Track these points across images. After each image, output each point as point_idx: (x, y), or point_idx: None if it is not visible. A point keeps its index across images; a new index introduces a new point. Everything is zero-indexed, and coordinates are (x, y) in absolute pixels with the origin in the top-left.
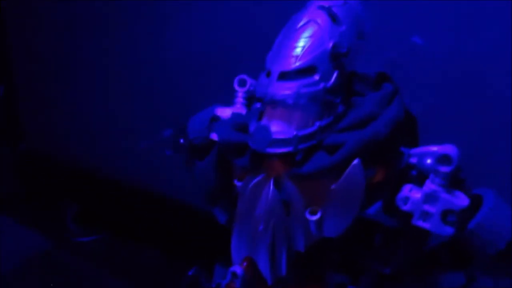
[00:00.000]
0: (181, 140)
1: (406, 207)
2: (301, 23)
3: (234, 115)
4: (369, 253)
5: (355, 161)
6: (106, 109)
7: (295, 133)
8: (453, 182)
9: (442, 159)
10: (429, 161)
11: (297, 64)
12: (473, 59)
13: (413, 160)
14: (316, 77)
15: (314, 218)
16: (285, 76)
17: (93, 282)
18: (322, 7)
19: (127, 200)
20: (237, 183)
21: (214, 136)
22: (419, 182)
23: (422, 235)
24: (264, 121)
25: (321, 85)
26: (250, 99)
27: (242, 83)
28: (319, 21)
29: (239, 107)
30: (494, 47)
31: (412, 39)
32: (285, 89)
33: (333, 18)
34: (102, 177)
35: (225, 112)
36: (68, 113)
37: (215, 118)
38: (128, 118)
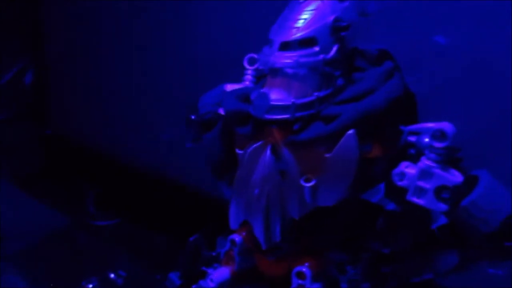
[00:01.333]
0: (192, 117)
1: (401, 183)
2: None
3: (240, 88)
4: (369, 234)
5: (350, 131)
6: (130, 98)
7: (293, 101)
8: (449, 160)
9: (438, 134)
10: (426, 139)
11: (298, 35)
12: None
13: (412, 138)
14: (316, 49)
15: (309, 185)
16: (286, 46)
17: (107, 262)
18: None
19: (147, 187)
20: (239, 152)
21: (223, 111)
22: (417, 160)
23: (424, 219)
24: (264, 89)
25: (321, 56)
26: (259, 77)
27: (252, 62)
28: None
29: (248, 84)
30: None
31: (434, 39)
32: (285, 58)
33: None
34: (123, 164)
35: (239, 88)
36: (94, 100)
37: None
38: (151, 108)
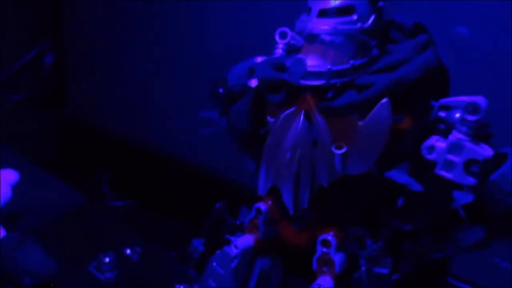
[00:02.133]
0: (220, 90)
1: (430, 156)
2: None
3: (273, 57)
4: (391, 211)
5: (384, 100)
6: (147, 82)
7: (329, 67)
8: (479, 135)
9: (470, 107)
10: (457, 115)
11: (337, 2)
12: None
13: (442, 114)
14: (354, 17)
15: (340, 152)
16: (324, 13)
17: (123, 239)
18: None
19: (161, 169)
20: (270, 119)
21: (253, 83)
22: (447, 135)
23: (445, 199)
24: (301, 56)
25: (358, 25)
26: (289, 51)
27: (283, 35)
28: None
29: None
30: None
31: (458, 29)
32: (323, 25)
33: None
34: (138, 147)
35: (274, 57)
36: (110, 84)
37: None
38: (167, 92)
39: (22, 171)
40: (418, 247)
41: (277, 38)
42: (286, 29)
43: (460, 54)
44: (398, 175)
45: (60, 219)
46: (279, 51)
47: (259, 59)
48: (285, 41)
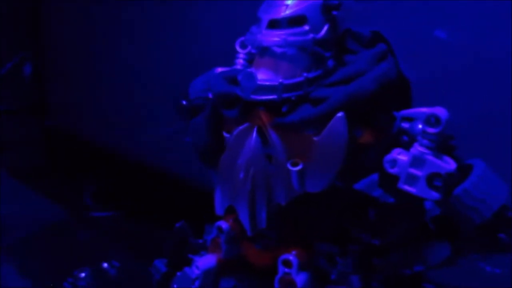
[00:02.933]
0: (184, 102)
1: (392, 170)
2: None
3: (229, 69)
4: (360, 225)
5: (339, 114)
6: (129, 91)
7: (280, 81)
8: (442, 147)
9: (431, 120)
10: (420, 126)
11: (287, 12)
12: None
13: (405, 125)
14: (306, 27)
15: (296, 169)
16: (274, 24)
17: (102, 253)
18: None
19: (144, 180)
20: (226, 136)
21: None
22: (410, 147)
23: (417, 210)
24: (251, 69)
25: (310, 35)
26: (251, 61)
27: (244, 45)
28: None
29: (239, 68)
30: None
31: (435, 33)
32: (274, 36)
33: None
34: (121, 156)
35: (227, 70)
36: (92, 94)
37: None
38: (149, 101)
39: (1, 184)
40: (387, 263)
41: (237, 47)
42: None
43: (437, 57)
44: (370, 188)
45: (40, 234)
46: (240, 61)
47: (219, 70)
48: (246, 51)
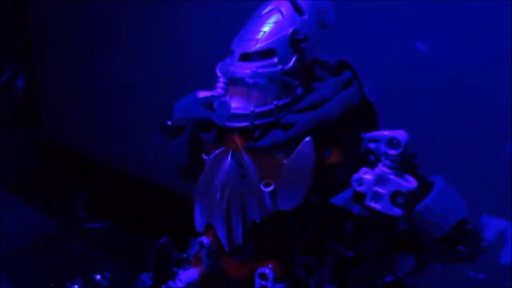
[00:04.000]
0: (168, 122)
1: (359, 188)
2: (266, 10)
3: (208, 95)
4: (335, 238)
5: (306, 138)
6: (120, 104)
7: (252, 109)
8: (404, 167)
9: (392, 142)
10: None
11: (258, 46)
12: (471, 68)
13: (372, 145)
14: (275, 60)
15: (268, 189)
16: (246, 57)
17: (95, 264)
18: None
19: (136, 191)
20: (205, 157)
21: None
22: (376, 166)
23: (390, 223)
24: (226, 98)
25: (279, 67)
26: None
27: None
28: (282, 9)
29: (220, 91)
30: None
31: (416, 45)
32: (245, 68)
33: (296, 7)
34: (113, 168)
35: (205, 95)
36: (84, 105)
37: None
38: (140, 113)
39: None
40: (361, 274)
41: (218, 72)
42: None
43: (418, 69)
44: (347, 202)
45: (31, 246)
46: (220, 84)
47: (201, 94)
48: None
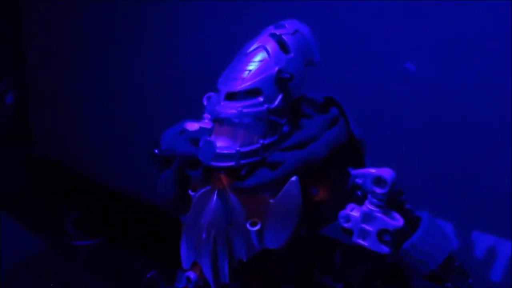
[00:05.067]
0: (156, 151)
1: (347, 225)
2: (252, 48)
3: (195, 130)
4: (324, 269)
5: (293, 178)
6: (110, 120)
7: (238, 149)
8: (391, 203)
9: (378, 181)
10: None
11: (243, 86)
12: (459, 90)
13: (359, 180)
14: (261, 99)
15: (255, 229)
16: (231, 96)
17: (84, 283)
18: (273, 35)
19: (126, 208)
20: (191, 194)
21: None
22: (363, 202)
23: (377, 255)
24: (211, 137)
25: (265, 106)
26: None
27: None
28: (268, 47)
29: (207, 122)
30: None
31: (405, 65)
32: (230, 108)
33: (282, 45)
34: (103, 185)
35: (193, 126)
36: (75, 123)
37: (184, 132)
38: (132, 131)
39: None
40: None
41: (205, 102)
42: (213, 94)
43: (407, 88)
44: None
45: (20, 265)
46: (207, 115)
47: (189, 125)
48: None
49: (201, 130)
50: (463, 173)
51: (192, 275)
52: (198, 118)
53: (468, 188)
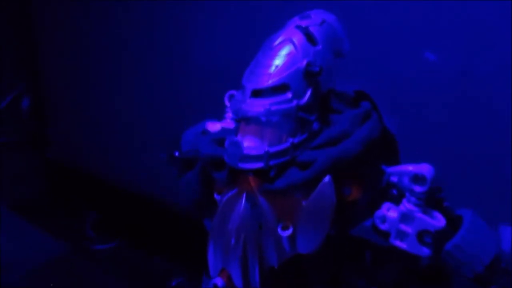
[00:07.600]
0: (176, 153)
1: (383, 226)
2: (277, 42)
3: (218, 130)
4: (357, 270)
5: (326, 179)
6: (128, 123)
7: (266, 149)
8: (430, 202)
9: (417, 178)
10: (407, 181)
11: (270, 82)
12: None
13: (394, 178)
14: (289, 95)
15: (286, 233)
16: (258, 93)
17: (106, 287)
18: (299, 27)
19: (145, 210)
20: (217, 197)
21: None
22: (399, 201)
23: (412, 255)
24: (238, 137)
25: (294, 102)
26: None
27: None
28: (294, 40)
29: (228, 122)
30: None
31: (424, 55)
32: (257, 106)
33: (309, 37)
34: (121, 188)
35: (215, 127)
36: (92, 126)
37: (206, 132)
38: (150, 133)
39: (2, 220)
40: None
41: (226, 101)
42: (235, 92)
43: (427, 78)
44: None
45: (41, 270)
46: (229, 114)
47: (210, 125)
48: None
49: (224, 130)
50: (491, 162)
51: (219, 282)
52: (218, 118)
53: (500, 182)
